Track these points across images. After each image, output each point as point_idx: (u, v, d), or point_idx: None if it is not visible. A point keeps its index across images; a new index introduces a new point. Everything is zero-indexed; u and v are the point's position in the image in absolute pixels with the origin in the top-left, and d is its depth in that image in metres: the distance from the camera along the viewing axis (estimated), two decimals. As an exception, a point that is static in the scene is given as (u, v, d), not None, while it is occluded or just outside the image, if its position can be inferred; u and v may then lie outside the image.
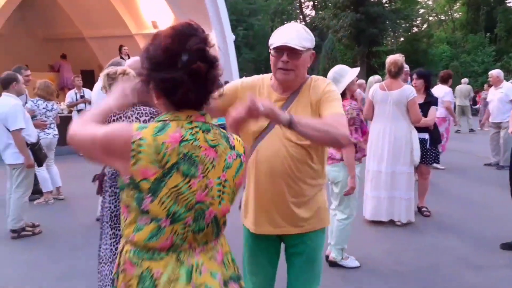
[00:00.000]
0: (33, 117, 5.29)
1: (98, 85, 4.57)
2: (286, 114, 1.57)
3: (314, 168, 1.89)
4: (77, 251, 3.96)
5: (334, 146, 1.72)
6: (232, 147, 1.35)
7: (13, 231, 4.38)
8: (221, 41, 12.68)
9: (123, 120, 2.38)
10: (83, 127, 1.30)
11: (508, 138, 7.10)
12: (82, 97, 8.52)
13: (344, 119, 1.79)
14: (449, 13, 34.36)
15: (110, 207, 2.49)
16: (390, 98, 4.40)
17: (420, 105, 4.57)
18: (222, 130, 1.36)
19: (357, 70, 3.37)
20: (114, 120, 2.35)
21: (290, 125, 1.56)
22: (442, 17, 35.99)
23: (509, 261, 3.71)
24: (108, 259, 2.49)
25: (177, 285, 1.24)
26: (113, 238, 2.49)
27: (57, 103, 5.81)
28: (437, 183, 6.29)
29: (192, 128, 1.26)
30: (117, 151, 1.21)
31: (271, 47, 1.84)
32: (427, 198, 5.08)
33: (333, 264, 3.55)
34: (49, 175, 5.58)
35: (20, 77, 4.62)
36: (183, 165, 1.22)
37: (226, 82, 7.84)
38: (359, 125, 3.40)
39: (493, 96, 7.72)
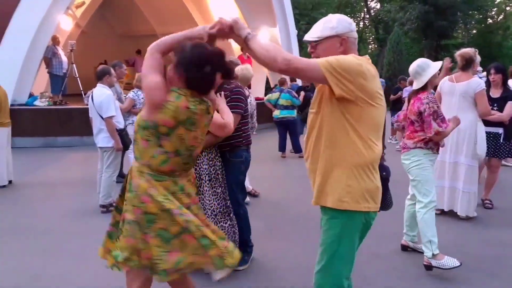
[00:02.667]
0: (133, 106, 6.02)
1: None
2: (247, 30, 1.90)
3: None
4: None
5: (269, 66, 1.80)
6: (208, 112, 2.10)
7: (103, 206, 4.99)
8: (285, 36, 12.91)
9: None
10: (149, 72, 2.01)
11: None
12: None
13: (302, 59, 1.81)
14: (530, 3, 31.80)
15: (209, 169, 3.18)
16: (457, 89, 4.42)
17: (496, 99, 4.51)
18: (205, 101, 2.07)
19: (439, 63, 3.47)
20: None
21: (245, 39, 1.88)
22: (521, 7, 33.40)
23: None
24: (212, 213, 3.18)
25: (177, 193, 2.05)
26: (214, 195, 3.20)
27: None
28: (505, 179, 6.12)
29: (194, 102, 1.99)
30: (155, 103, 1.94)
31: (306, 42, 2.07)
32: (492, 193, 5.02)
33: (429, 268, 3.29)
34: (129, 162, 6.19)
35: (112, 70, 5.21)
36: (187, 123, 1.99)
37: (304, 88, 7.97)
38: (442, 115, 3.43)
39: None
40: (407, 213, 3.71)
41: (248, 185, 5.42)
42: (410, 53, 22.95)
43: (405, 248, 3.77)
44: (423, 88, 3.45)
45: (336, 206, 1.88)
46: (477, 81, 4.39)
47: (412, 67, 3.48)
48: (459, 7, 23.87)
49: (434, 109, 3.37)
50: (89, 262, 3.58)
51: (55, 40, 10.07)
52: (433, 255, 3.25)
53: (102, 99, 4.85)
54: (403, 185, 3.98)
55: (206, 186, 3.18)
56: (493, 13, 30.24)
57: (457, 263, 3.21)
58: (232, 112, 3.12)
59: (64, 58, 10.36)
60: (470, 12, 25.31)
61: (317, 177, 1.95)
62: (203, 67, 1.96)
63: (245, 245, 3.46)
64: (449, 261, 3.23)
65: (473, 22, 26.37)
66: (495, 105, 4.77)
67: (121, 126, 5.07)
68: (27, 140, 9.23)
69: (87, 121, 5.36)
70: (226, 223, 3.27)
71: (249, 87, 5.15)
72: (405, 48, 21.36)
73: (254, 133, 4.96)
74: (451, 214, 4.62)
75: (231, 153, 3.36)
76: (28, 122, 9.35)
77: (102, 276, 3.33)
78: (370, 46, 36.85)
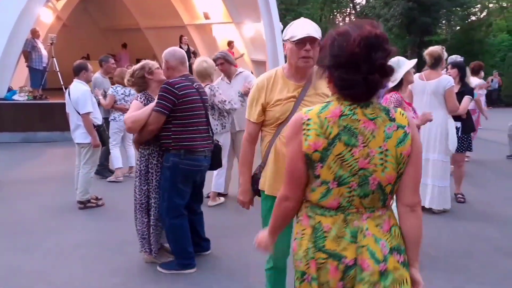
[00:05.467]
0: (114, 102, 5.95)
1: None
2: None
3: None
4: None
5: None
6: (392, 119, 1.44)
7: (80, 202, 4.96)
8: (269, 31, 12.90)
9: None
10: None
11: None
12: None
13: None
14: (512, 0, 32.32)
15: (140, 165, 3.27)
16: (428, 87, 4.52)
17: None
18: (382, 104, 1.50)
19: (414, 61, 3.53)
20: None
21: None
22: (504, 4, 33.90)
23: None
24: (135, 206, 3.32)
25: (342, 242, 1.45)
26: (140, 190, 3.27)
27: None
28: (476, 173, 6.30)
29: (350, 105, 1.43)
30: (295, 133, 1.49)
31: (292, 39, 2.11)
32: (464, 187, 5.18)
33: None
34: (127, 154, 6.26)
35: (89, 66, 5.16)
36: (344, 135, 1.42)
37: None
38: None
39: None
40: None
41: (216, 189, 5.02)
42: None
43: None
44: (398, 86, 3.49)
45: None
46: (446, 78, 4.51)
47: None
48: (443, 4, 24.09)
49: None
50: (66, 259, 3.59)
51: (34, 33, 9.90)
52: None
53: (79, 95, 4.81)
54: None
55: (137, 181, 3.29)
56: (476, 10, 30.64)
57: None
58: (154, 110, 3.06)
59: (44, 52, 10.21)
60: (454, 9, 25.56)
61: None
62: (358, 64, 1.38)
63: (179, 252, 3.32)
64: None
65: (456, 19, 26.63)
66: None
67: (99, 122, 5.04)
68: (6, 135, 9.11)
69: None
70: (145, 218, 3.32)
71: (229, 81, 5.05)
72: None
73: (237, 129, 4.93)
74: (423, 209, 4.72)
75: (163, 155, 3.22)
76: (7, 117, 9.21)
77: (78, 273, 3.35)
78: (355, 42, 36.99)
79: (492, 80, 19.47)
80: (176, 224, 3.24)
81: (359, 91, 1.40)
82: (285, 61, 2.33)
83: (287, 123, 2.10)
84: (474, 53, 19.45)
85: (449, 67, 5.15)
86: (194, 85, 3.24)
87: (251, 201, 2.47)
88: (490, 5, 33.81)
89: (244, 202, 2.47)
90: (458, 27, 26.67)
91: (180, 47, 11.13)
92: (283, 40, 2.25)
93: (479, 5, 30.38)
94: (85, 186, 4.94)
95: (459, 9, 26.35)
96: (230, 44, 12.78)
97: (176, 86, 3.07)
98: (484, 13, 32.13)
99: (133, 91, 6.09)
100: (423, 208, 4.70)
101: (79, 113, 4.83)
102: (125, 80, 3.54)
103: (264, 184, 2.32)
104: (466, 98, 4.80)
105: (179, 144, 3.12)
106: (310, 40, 2.09)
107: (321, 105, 1.48)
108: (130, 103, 6.00)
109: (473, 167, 6.92)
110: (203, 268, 3.39)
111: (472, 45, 23.29)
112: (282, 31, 2.32)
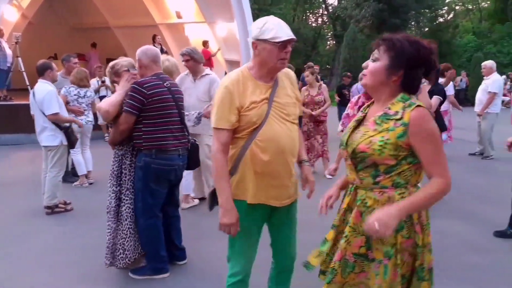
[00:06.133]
0: (67, 103, 5.67)
1: None
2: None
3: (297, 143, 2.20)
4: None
5: None
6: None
7: (48, 207, 4.78)
8: (242, 31, 12.86)
9: None
10: None
11: (483, 128, 7.64)
12: (103, 82, 8.82)
13: None
14: (477, 2, 33.48)
15: (112, 166, 3.20)
16: None
17: None
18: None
19: None
20: None
21: None
22: (470, 7, 35.10)
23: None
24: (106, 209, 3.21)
25: None
26: (112, 192, 3.17)
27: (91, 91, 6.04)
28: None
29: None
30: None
31: (275, 41, 2.00)
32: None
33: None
34: (84, 158, 5.98)
35: (54, 65, 4.97)
36: None
37: None
38: None
39: (480, 86, 7.99)
40: None
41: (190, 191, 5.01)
42: (365, 50, 23.56)
43: None
44: None
45: None
46: None
47: (365, 64, 3.56)
48: (411, 5, 24.78)
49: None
50: (32, 265, 3.46)
51: (-2, 32, 9.54)
52: None
53: (44, 95, 4.64)
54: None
55: (109, 183, 3.20)
56: (443, 12, 31.60)
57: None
58: (123, 111, 3.03)
59: (9, 51, 9.85)
60: (422, 10, 26.31)
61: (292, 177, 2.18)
62: (423, 65, 1.78)
63: (152, 256, 3.22)
64: None
65: (424, 21, 27.40)
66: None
67: (67, 123, 4.86)
68: (-32, 138, 8.73)
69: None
70: (114, 223, 3.17)
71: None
72: (360, 44, 21.86)
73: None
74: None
75: (136, 156, 3.16)
76: (-31, 119, 8.83)
77: (45, 279, 3.23)
78: (328, 43, 37.50)
79: (460, 80, 20.09)
80: (150, 225, 3.15)
81: (418, 87, 1.76)
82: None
83: (262, 127, 2.06)
84: (442, 54, 20.00)
85: None
86: (165, 84, 3.14)
87: (238, 222, 2.09)
88: (457, 7, 34.96)
89: (231, 224, 2.07)
90: (427, 29, 27.43)
91: (154, 46, 10.94)
92: (257, 39, 2.05)
93: (446, 7, 31.38)
94: (52, 190, 4.77)
95: (427, 11, 27.15)
96: (205, 44, 12.68)
97: (144, 86, 3.01)
98: (451, 15, 33.20)
99: (89, 92, 5.92)
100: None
101: (45, 115, 4.66)
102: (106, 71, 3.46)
103: (245, 193, 2.11)
104: (435, 98, 4.89)
105: (150, 144, 3.06)
106: (290, 42, 2.05)
107: (418, 102, 1.70)
108: (85, 105, 5.91)
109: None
110: (177, 273, 3.31)
111: (440, 46, 23.45)
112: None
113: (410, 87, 1.72)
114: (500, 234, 4.10)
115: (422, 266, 1.73)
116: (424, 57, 1.67)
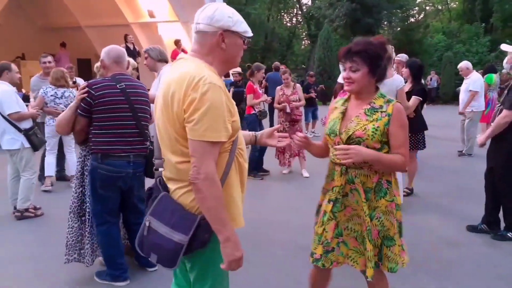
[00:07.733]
0: (45, 104, 5.51)
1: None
2: None
3: None
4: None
5: None
6: None
7: (18, 210, 4.60)
8: (217, 30, 12.77)
9: None
10: None
11: (468, 127, 7.89)
12: (74, 83, 8.54)
13: None
14: (446, 3, 34.35)
15: (77, 166, 3.21)
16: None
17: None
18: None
19: None
20: None
21: None
22: (439, 7, 35.99)
23: (486, 239, 3.98)
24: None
25: None
26: (75, 193, 3.19)
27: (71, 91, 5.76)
28: (428, 168, 6.56)
29: None
30: None
31: (246, 35, 1.74)
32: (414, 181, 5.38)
33: None
34: (67, 162, 5.93)
35: (13, 66, 4.77)
36: None
37: (235, 84, 7.64)
38: None
39: (461, 86, 8.22)
40: None
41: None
42: (339, 49, 23.88)
43: None
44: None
45: None
46: (399, 78, 4.57)
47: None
48: (384, 5, 25.17)
49: None
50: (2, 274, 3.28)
51: (-39, 31, 9.14)
52: None
53: (2, 95, 4.47)
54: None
55: (73, 183, 3.25)
56: (414, 12, 32.28)
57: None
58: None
59: (-27, 51, 9.44)
60: (394, 10, 26.77)
61: None
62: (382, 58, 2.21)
63: (108, 262, 3.14)
64: None
65: (396, 20, 27.89)
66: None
67: (26, 125, 4.65)
68: None
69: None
70: (76, 223, 3.18)
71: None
72: (334, 44, 22.05)
73: None
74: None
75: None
76: None
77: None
78: (303, 42, 37.76)
79: (430, 79, 20.56)
80: (102, 232, 3.03)
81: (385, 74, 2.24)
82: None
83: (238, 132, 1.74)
84: (414, 53, 20.39)
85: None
86: (118, 85, 2.92)
87: None
88: (427, 8, 35.79)
89: (242, 258, 1.64)
90: (399, 28, 27.93)
91: (127, 46, 10.71)
92: (227, 30, 1.68)
93: (417, 8, 32.05)
94: (26, 193, 4.63)
95: (399, 11, 27.64)
96: (177, 43, 12.49)
97: (93, 87, 2.88)
98: (422, 15, 33.95)
99: (67, 92, 5.68)
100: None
101: (4, 117, 4.49)
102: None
103: (235, 218, 1.70)
104: (414, 99, 4.92)
105: (97, 148, 2.92)
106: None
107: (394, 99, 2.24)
108: (63, 105, 5.63)
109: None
110: (140, 281, 3.19)
111: (412, 45, 24.47)
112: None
113: (382, 78, 2.19)
114: (472, 228, 4.19)
115: (398, 221, 2.18)
116: (384, 50, 2.14)
